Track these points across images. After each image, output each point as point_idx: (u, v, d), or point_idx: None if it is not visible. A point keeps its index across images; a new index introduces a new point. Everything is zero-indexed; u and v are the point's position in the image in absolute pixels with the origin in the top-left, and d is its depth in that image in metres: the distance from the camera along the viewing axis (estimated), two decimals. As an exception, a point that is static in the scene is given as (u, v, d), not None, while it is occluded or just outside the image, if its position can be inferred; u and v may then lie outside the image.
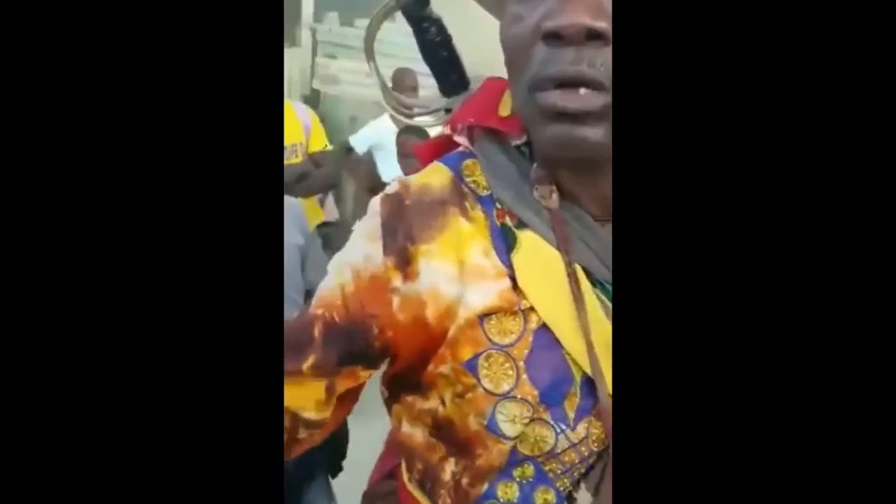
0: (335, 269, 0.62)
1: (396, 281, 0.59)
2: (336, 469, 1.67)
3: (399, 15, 0.67)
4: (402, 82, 3.14)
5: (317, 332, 0.61)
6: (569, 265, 0.56)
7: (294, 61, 4.34)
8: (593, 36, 0.47)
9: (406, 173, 0.76)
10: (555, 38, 0.48)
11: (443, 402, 0.61)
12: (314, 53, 4.52)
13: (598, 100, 0.48)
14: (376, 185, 3.06)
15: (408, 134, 2.80)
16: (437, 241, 0.58)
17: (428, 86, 2.65)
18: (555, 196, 0.57)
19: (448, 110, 0.68)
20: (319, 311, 0.61)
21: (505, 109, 0.61)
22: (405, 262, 0.58)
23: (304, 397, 0.61)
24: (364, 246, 0.60)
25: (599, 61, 0.48)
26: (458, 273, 0.58)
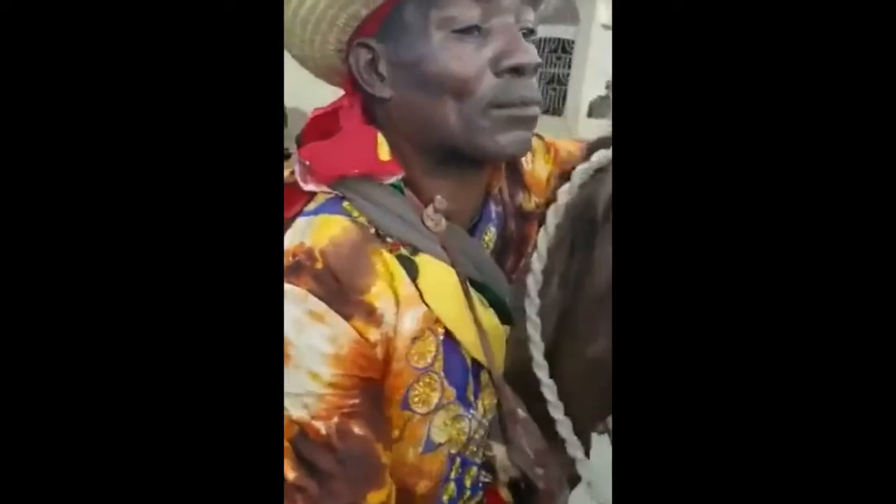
0: (309, 376, 0.58)
1: (372, 334, 0.60)
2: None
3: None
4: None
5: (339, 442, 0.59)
6: (461, 275, 0.66)
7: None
8: (536, 69, 0.64)
9: None
10: (515, 71, 0.63)
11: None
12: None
13: (538, 112, 0.66)
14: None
15: None
16: (377, 281, 0.61)
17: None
18: (442, 220, 0.66)
19: None
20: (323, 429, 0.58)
21: (384, 154, 0.65)
22: (369, 313, 0.59)
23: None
24: (319, 329, 0.58)
25: (537, 86, 0.66)
26: (395, 307, 0.62)
